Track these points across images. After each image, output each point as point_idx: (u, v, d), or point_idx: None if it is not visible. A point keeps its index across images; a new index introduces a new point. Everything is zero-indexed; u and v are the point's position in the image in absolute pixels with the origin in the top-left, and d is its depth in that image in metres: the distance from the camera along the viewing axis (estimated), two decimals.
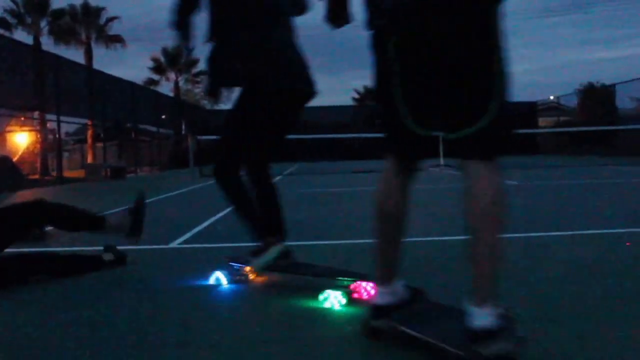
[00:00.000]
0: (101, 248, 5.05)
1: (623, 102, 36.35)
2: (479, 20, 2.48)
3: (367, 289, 3.65)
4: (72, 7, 37.88)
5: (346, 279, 3.85)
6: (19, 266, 4.59)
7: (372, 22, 2.73)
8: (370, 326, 2.90)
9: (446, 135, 2.59)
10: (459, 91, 2.52)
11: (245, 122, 4.20)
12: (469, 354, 2.40)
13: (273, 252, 4.12)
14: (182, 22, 4.22)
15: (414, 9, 2.50)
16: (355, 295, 3.71)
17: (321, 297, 3.61)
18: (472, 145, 2.53)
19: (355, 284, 3.76)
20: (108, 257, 4.97)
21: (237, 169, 4.29)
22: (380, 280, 2.91)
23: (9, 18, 34.96)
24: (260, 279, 4.33)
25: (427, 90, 2.61)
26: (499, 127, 2.52)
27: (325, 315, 3.44)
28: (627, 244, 5.55)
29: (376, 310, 2.88)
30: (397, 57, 2.60)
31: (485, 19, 2.49)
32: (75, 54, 39.39)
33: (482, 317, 2.42)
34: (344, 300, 3.56)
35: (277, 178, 18.69)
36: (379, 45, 2.71)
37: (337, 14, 2.93)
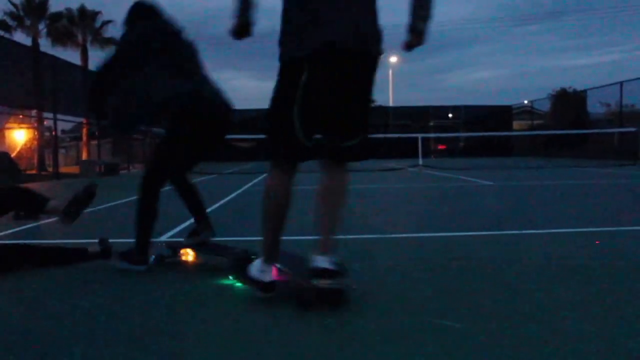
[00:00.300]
0: (89, 241, 5.02)
1: (594, 107, 36.61)
2: (370, 69, 3.33)
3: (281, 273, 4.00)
4: (69, 10, 37.59)
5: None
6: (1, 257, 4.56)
7: (286, 55, 3.29)
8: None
9: (332, 144, 3.38)
10: (347, 118, 3.35)
11: (174, 145, 4.46)
12: (309, 285, 3.28)
13: (139, 268, 4.46)
14: (98, 107, 4.69)
15: (326, 55, 3.16)
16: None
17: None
18: (344, 153, 3.41)
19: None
20: (93, 249, 4.94)
21: (163, 184, 4.55)
22: (274, 260, 3.53)
23: (8, 20, 34.72)
24: (190, 260, 4.80)
25: (321, 113, 3.29)
26: (364, 144, 3.45)
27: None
28: (597, 242, 5.56)
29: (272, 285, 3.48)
30: (304, 85, 3.18)
31: (373, 69, 3.35)
32: (72, 56, 39.18)
33: (321, 261, 3.30)
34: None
35: (264, 175, 18.78)
36: (288, 72, 3.28)
37: (242, 31, 3.45)
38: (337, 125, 3.36)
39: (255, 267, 3.53)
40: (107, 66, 4.45)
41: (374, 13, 3.32)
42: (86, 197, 4.69)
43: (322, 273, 3.27)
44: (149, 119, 4.47)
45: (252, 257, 4.08)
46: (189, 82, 4.35)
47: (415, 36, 3.37)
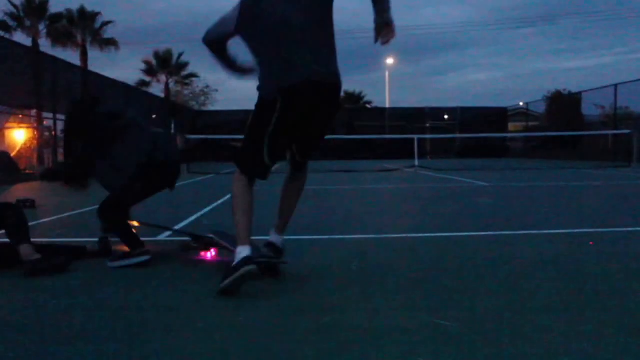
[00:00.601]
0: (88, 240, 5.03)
1: (589, 109, 36.57)
2: (335, 107, 4.07)
3: (211, 252, 4.94)
4: (69, 11, 37.62)
5: (200, 241, 5.12)
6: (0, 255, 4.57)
7: (264, 95, 3.95)
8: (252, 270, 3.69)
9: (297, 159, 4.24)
10: (311, 141, 4.20)
11: (131, 190, 4.93)
12: (255, 257, 3.85)
13: (138, 259, 4.67)
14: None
15: (297, 91, 3.79)
16: (205, 254, 4.93)
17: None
18: (305, 163, 4.29)
19: (205, 248, 4.98)
20: (92, 248, 4.95)
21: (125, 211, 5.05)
22: (247, 242, 3.80)
23: (9, 21, 34.74)
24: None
25: (288, 140, 4.04)
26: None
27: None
28: (590, 243, 5.57)
29: (249, 259, 3.68)
30: (278, 114, 3.82)
31: (337, 96, 4.02)
32: (72, 56, 39.17)
33: (278, 238, 4.27)
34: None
35: None
36: (264, 108, 3.91)
37: (242, 73, 4.35)
38: (304, 147, 4.21)
39: (236, 257, 3.70)
40: (77, 161, 5.16)
41: (334, 49, 4.01)
42: (50, 268, 4.62)
43: (276, 247, 4.23)
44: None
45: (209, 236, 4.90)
46: (142, 145, 4.94)
47: (385, 27, 3.77)
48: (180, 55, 48.07)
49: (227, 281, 3.63)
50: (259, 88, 3.99)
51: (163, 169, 5.05)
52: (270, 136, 3.86)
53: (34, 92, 21.54)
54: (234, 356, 2.70)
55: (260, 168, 3.96)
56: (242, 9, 3.95)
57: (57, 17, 36.55)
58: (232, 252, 3.88)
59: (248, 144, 4.01)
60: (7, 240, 4.56)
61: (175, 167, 5.20)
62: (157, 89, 46.63)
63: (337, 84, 3.99)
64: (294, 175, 4.34)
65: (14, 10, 34.87)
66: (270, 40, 3.86)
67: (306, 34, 3.84)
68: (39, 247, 4.68)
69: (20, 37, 34.49)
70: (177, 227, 6.64)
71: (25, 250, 4.46)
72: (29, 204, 9.45)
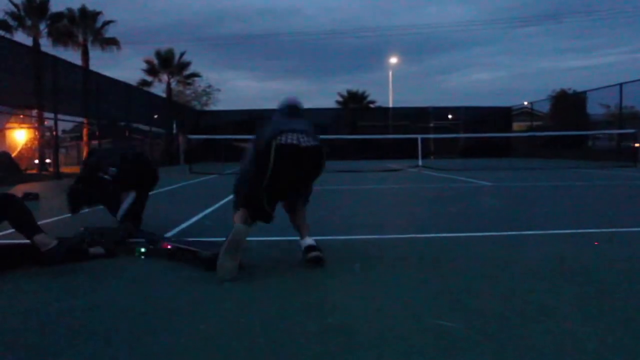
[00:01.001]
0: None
1: (593, 108, 36.50)
2: (319, 165, 4.86)
3: (167, 244, 5.10)
4: (70, 10, 37.54)
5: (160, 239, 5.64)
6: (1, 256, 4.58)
7: (261, 145, 4.65)
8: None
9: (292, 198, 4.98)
10: (298, 189, 5.00)
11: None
12: (305, 258, 4.67)
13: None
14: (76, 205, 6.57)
15: (289, 149, 4.59)
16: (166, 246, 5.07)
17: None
18: (299, 201, 5.02)
19: (164, 242, 5.24)
20: (97, 251, 4.96)
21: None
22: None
23: (9, 20, 34.68)
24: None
25: (281, 187, 4.73)
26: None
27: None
28: (595, 243, 5.57)
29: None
30: (272, 165, 4.54)
31: (320, 156, 4.81)
32: (73, 56, 39.20)
33: (307, 241, 4.76)
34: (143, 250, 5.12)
35: None
36: (265, 153, 4.57)
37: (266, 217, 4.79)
38: (293, 193, 4.96)
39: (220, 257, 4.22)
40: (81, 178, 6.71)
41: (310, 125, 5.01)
42: (71, 250, 4.77)
43: (312, 247, 4.70)
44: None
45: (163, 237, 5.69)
46: (118, 150, 6.94)
47: None
48: (182, 54, 47.98)
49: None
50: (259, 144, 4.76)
51: (140, 167, 6.58)
52: (269, 180, 4.59)
53: (35, 92, 21.55)
54: (235, 358, 2.70)
55: (261, 212, 4.69)
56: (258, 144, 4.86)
57: (58, 16, 36.50)
58: (195, 254, 4.71)
59: (249, 195, 4.73)
60: (7, 242, 4.57)
61: (153, 170, 6.71)
62: (159, 88, 46.56)
63: (320, 149, 4.81)
64: (293, 205, 5.03)
65: (15, 10, 34.81)
66: (274, 130, 4.77)
67: (299, 126, 4.84)
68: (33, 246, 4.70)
69: (21, 37, 34.51)
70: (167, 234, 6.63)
71: (41, 240, 4.49)
72: (32, 197, 10.91)
